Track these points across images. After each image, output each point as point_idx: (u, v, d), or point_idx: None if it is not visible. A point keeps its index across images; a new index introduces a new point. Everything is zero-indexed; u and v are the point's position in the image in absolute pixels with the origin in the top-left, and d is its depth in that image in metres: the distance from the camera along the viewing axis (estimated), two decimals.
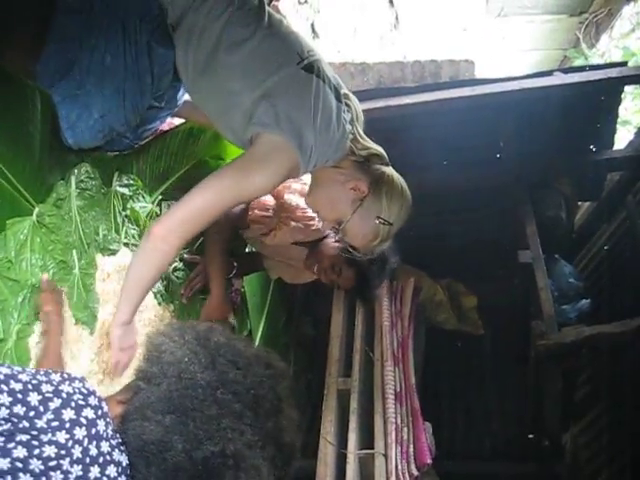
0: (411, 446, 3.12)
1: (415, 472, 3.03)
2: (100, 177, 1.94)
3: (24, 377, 1.05)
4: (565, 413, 3.24)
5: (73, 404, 1.06)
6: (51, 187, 1.74)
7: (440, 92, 3.07)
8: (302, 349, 3.68)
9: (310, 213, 2.36)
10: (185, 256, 2.44)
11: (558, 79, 3.00)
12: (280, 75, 1.72)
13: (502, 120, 3.29)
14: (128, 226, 2.09)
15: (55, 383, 1.07)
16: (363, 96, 3.02)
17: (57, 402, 1.04)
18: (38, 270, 1.65)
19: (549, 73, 3.07)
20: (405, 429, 3.11)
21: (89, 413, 1.07)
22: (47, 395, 1.04)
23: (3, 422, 0.99)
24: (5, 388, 1.01)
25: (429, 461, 3.14)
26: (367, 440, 3.00)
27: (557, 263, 3.59)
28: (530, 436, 3.44)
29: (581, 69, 3.09)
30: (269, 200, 2.40)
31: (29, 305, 1.61)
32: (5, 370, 1.04)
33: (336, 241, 2.42)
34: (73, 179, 1.83)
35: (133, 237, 2.12)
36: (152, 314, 2.15)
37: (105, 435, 1.07)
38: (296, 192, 2.37)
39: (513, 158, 3.44)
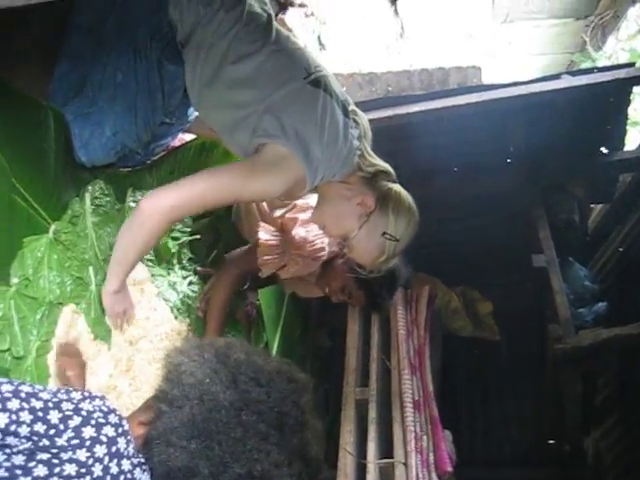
0: (431, 454, 3.10)
1: None
2: (114, 193, 1.96)
3: (45, 395, 1.06)
4: (585, 417, 3.21)
5: (93, 422, 1.06)
6: (66, 204, 1.76)
7: (448, 99, 3.07)
8: (318, 360, 3.68)
9: (319, 245, 2.37)
10: (198, 269, 2.45)
11: (566, 82, 3.00)
12: (286, 89, 1.73)
13: (511, 125, 3.29)
14: None
15: (75, 401, 1.08)
16: (371, 105, 3.04)
17: (77, 420, 1.05)
18: (56, 287, 1.67)
19: (557, 76, 3.07)
20: (424, 437, 3.09)
21: (109, 431, 1.07)
22: (67, 413, 1.05)
23: (24, 440, 1.00)
24: (26, 406, 1.01)
25: (450, 469, 3.12)
26: (386, 449, 2.98)
27: (572, 266, 3.57)
28: (550, 441, 3.41)
29: (589, 71, 3.09)
30: (274, 240, 2.39)
31: (47, 322, 1.62)
32: (26, 388, 1.05)
33: (344, 262, 2.43)
34: (87, 196, 1.85)
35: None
36: (169, 328, 2.16)
37: (126, 453, 1.08)
38: (303, 224, 2.37)
39: (524, 162, 3.43)
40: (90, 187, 1.87)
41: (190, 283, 2.35)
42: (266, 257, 2.38)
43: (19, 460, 0.99)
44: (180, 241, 2.27)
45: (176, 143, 2.25)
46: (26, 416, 1.00)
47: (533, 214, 3.38)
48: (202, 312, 2.38)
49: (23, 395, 1.03)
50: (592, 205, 3.96)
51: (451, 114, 3.02)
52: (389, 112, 3.09)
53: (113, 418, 1.10)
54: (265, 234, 2.39)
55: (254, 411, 1.12)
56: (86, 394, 1.13)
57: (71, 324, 1.70)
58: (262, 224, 2.41)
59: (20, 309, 1.53)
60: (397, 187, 1.94)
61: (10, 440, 0.99)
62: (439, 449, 3.13)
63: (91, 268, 1.83)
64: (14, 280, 1.54)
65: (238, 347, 1.23)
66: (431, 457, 3.08)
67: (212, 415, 1.09)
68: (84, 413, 1.07)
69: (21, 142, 1.58)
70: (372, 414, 3.06)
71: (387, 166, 1.95)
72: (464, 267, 3.82)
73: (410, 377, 3.26)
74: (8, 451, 0.99)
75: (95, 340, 1.79)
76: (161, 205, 1.61)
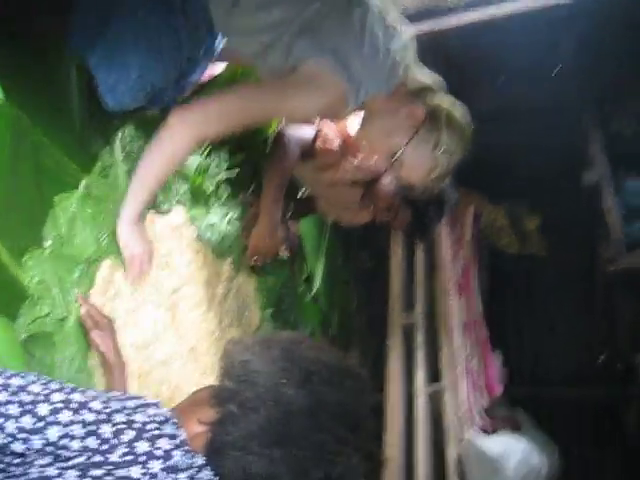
0: (481, 376, 3.10)
1: (486, 403, 3.02)
2: (144, 137, 1.87)
3: (97, 405, 1.00)
4: (637, 333, 3.14)
5: (147, 435, 1.01)
6: (96, 156, 1.68)
7: (489, 8, 2.87)
8: (361, 284, 3.63)
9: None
10: (240, 197, 2.38)
11: None
12: (319, 3, 1.60)
13: (561, 33, 3.06)
14: (178, 183, 2.04)
15: (128, 411, 1.03)
16: (408, 20, 2.85)
17: (131, 434, 0.99)
18: (91, 243, 1.61)
19: None
20: (474, 360, 3.08)
21: (165, 444, 1.01)
22: (120, 427, 1.00)
23: (77, 454, 0.95)
24: (78, 419, 0.97)
25: (500, 390, 3.12)
26: (435, 374, 2.98)
27: (624, 180, 3.41)
28: (601, 358, 3.36)
29: None
30: (334, 136, 2.30)
31: (87, 279, 1.58)
32: (77, 397, 1.00)
33: (391, 181, 2.33)
34: (117, 144, 1.76)
35: (184, 194, 2.07)
36: (211, 270, 2.12)
37: (183, 466, 1.02)
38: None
39: (577, 73, 3.21)
40: (120, 134, 1.78)
41: (230, 221, 2.29)
42: (325, 145, 2.31)
43: (72, 476, 0.95)
44: (217, 179, 2.20)
45: (205, 78, 2.14)
46: (78, 430, 0.96)
47: (585, 127, 3.21)
48: (246, 239, 2.33)
49: (74, 406, 0.98)
50: None
51: (495, 25, 2.83)
52: (425, 27, 2.92)
53: (169, 428, 1.04)
54: (328, 128, 2.31)
55: (332, 413, 1.05)
56: (140, 402, 1.07)
57: (109, 279, 1.66)
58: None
59: (57, 270, 1.49)
60: (448, 98, 1.81)
61: (63, 453, 0.95)
62: (489, 371, 3.12)
63: None
64: (48, 242, 1.48)
65: (304, 343, 1.15)
66: (481, 379, 3.08)
67: (291, 419, 1.03)
68: (138, 425, 1.01)
69: (43, 96, 1.50)
70: (419, 338, 3.05)
71: (436, 78, 1.82)
72: (514, 182, 3.68)
73: (457, 298, 3.22)
74: (61, 465, 0.95)
75: (134, 294, 1.76)
76: (189, 116, 1.56)
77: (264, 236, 2.26)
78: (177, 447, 1.02)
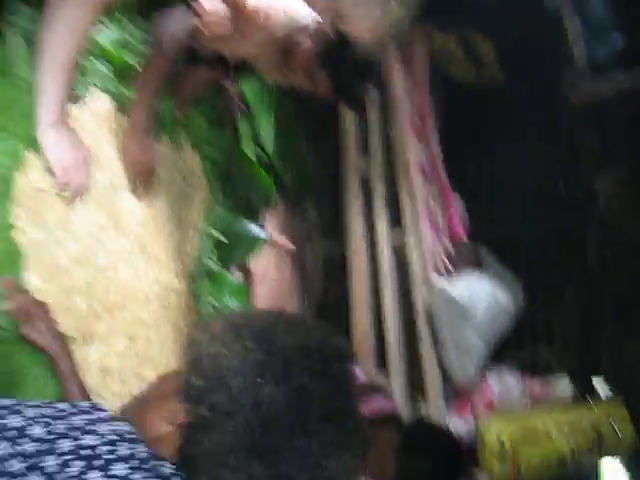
0: (443, 220, 3.05)
1: (450, 246, 2.99)
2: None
3: (37, 431, 0.84)
4: (599, 158, 3.08)
5: (100, 462, 0.85)
6: None
7: None
8: (314, 137, 3.41)
9: (275, 13, 1.99)
10: None
11: None
12: None
13: None
14: (95, 63, 1.79)
15: (76, 434, 0.87)
16: None
17: (79, 464, 0.83)
18: (5, 157, 1.42)
19: None
20: (435, 204, 3.02)
21: (120, 468, 0.85)
22: (66, 457, 0.83)
23: None
24: (18, 449, 0.81)
25: (462, 232, 3.09)
26: (397, 222, 2.92)
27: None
28: (561, 185, 3.31)
29: None
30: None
31: (6, 199, 1.41)
32: (15, 422, 0.84)
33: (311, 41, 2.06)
34: (12, 30, 1.51)
35: (106, 75, 1.83)
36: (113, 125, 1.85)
37: None
38: None
39: None
40: (13, 17, 1.51)
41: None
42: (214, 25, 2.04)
43: None
44: (141, 52, 1.95)
45: None
46: (18, 465, 0.80)
47: None
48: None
49: (11, 434, 0.82)
50: None
51: None
52: None
53: (124, 448, 0.88)
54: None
55: (318, 413, 0.90)
56: (90, 417, 0.92)
57: (33, 191, 1.48)
58: None
59: None
60: None
61: None
62: (450, 213, 3.07)
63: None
64: None
65: (279, 325, 0.97)
66: (443, 222, 3.03)
67: (272, 425, 0.88)
68: (87, 452, 0.85)
69: None
70: (378, 187, 2.97)
71: None
72: (463, 10, 3.39)
73: (414, 142, 3.10)
74: None
75: (65, 199, 1.58)
76: None
77: (135, 147, 1.87)
78: (136, 469, 0.87)
